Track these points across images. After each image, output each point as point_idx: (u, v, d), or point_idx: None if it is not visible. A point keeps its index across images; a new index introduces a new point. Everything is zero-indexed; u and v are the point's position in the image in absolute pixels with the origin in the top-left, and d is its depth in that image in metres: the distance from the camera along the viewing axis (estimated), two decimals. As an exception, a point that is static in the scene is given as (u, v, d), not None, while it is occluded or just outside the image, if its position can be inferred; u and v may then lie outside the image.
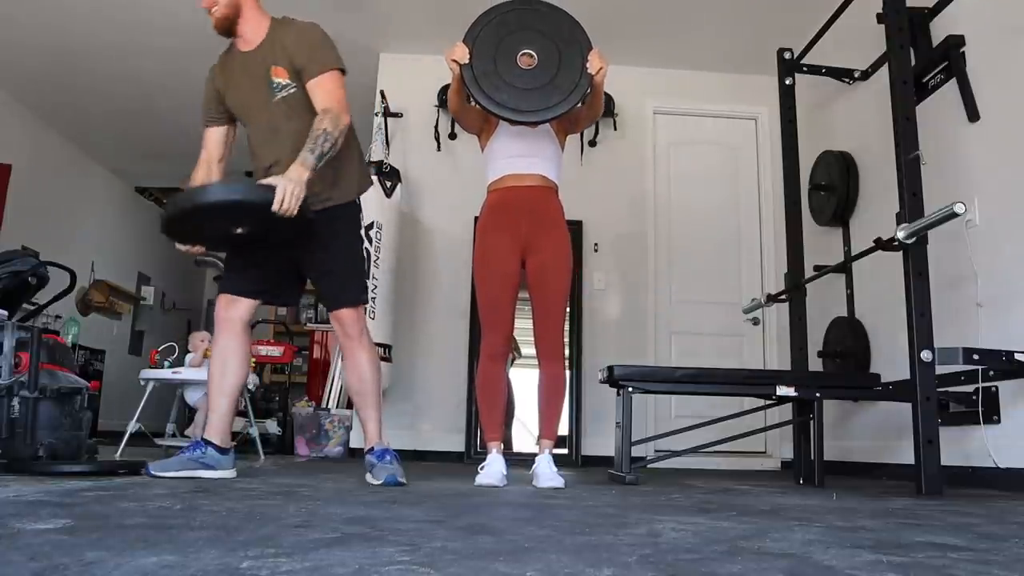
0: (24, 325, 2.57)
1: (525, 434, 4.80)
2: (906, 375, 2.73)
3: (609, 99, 4.88)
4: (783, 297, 3.84)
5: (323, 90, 2.41)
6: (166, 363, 4.01)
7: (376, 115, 4.98)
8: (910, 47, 3.08)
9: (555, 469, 2.64)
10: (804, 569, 0.98)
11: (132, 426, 3.67)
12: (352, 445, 4.62)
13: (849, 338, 4.06)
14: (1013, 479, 2.85)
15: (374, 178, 4.50)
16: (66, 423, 2.57)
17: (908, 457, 2.70)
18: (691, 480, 3.27)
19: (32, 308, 3.38)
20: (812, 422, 3.05)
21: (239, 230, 2.36)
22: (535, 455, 2.71)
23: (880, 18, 3.21)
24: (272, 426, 5.19)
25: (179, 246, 2.55)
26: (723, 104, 5.17)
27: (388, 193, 4.57)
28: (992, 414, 3.00)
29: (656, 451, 4.13)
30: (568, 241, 2.85)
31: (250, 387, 4.06)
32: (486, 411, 2.81)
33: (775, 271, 4.71)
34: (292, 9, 2.64)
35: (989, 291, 3.08)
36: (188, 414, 4.52)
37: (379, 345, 4.37)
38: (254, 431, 3.90)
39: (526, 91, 2.64)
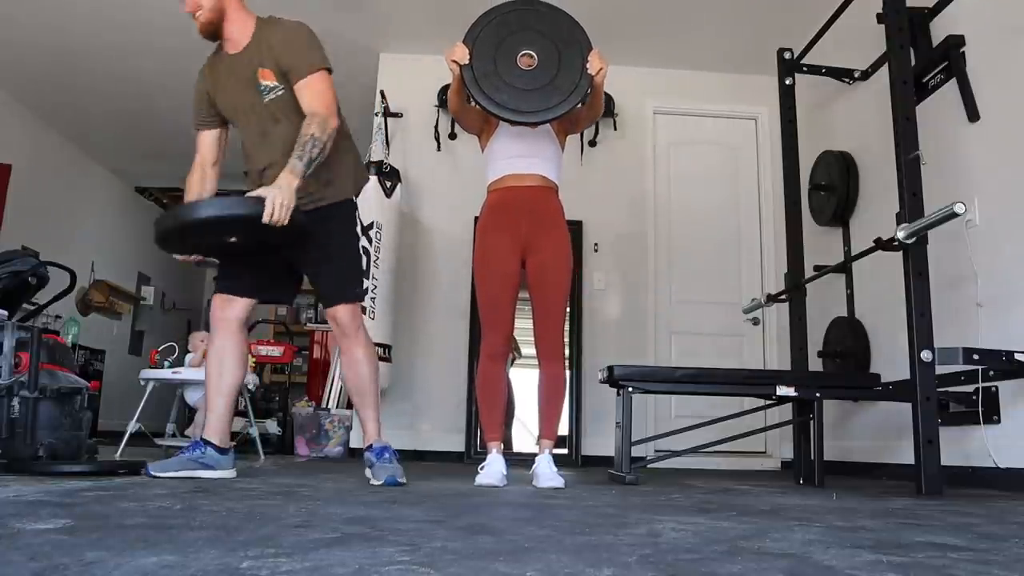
0: (24, 325, 2.57)
1: (525, 434, 4.80)
2: (906, 375, 2.73)
3: (609, 99, 4.88)
4: (783, 297, 3.84)
5: (310, 92, 2.38)
6: (166, 363, 4.01)
7: (376, 115, 4.98)
8: (910, 47, 3.08)
9: (555, 469, 2.64)
10: (804, 569, 0.98)
11: (132, 426, 3.67)
12: (352, 445, 4.62)
13: (849, 338, 4.06)
14: (1013, 479, 2.85)
15: (373, 178, 4.52)
16: (66, 423, 2.57)
17: (908, 457, 2.70)
18: (691, 480, 3.27)
19: (32, 308, 3.38)
20: (812, 422, 3.05)
21: (232, 239, 2.38)
22: (535, 455, 2.71)
23: (880, 18, 3.21)
24: (272, 426, 5.19)
25: (175, 256, 2.55)
26: (723, 104, 5.17)
27: (388, 193, 4.57)
28: (992, 414, 3.00)
29: (656, 451, 4.13)
30: (568, 241, 2.85)
31: (250, 387, 4.06)
32: (486, 411, 2.81)
33: (775, 271, 4.71)
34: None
35: (989, 291, 3.08)
36: (188, 414, 4.53)
37: (379, 345, 4.38)
38: (254, 431, 3.90)
39: (526, 92, 2.64)
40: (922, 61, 3.44)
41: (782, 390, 2.99)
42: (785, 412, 3.72)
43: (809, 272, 3.86)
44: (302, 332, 7.45)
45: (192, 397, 4.08)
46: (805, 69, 4.00)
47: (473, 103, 2.72)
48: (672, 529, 1.37)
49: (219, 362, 2.52)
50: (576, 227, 4.58)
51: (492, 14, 2.72)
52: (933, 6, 3.45)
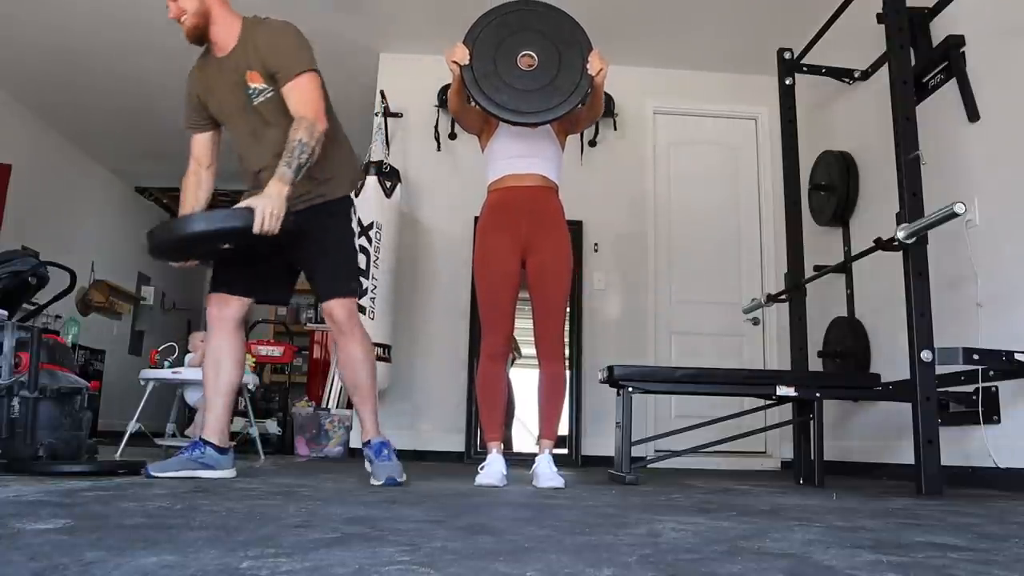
0: (24, 325, 2.57)
1: (525, 434, 4.80)
2: (906, 375, 2.73)
3: (609, 99, 4.88)
4: (783, 297, 3.84)
5: (297, 96, 2.35)
6: (166, 363, 4.01)
7: (376, 115, 4.98)
8: (910, 47, 3.08)
9: (555, 469, 2.64)
10: (804, 569, 0.98)
11: (132, 426, 3.67)
12: (352, 445, 4.62)
13: (849, 338, 4.06)
14: (1013, 479, 2.85)
15: (373, 178, 4.52)
16: (66, 423, 2.57)
17: (908, 457, 2.70)
18: (691, 480, 3.27)
19: (32, 308, 3.38)
20: (812, 422, 3.05)
21: (225, 246, 2.38)
22: (535, 455, 2.71)
23: (880, 18, 3.21)
24: (272, 426, 5.19)
25: (171, 263, 2.55)
26: (723, 104, 5.17)
27: (388, 193, 4.57)
28: (992, 414, 3.00)
29: (656, 451, 4.13)
30: (568, 241, 2.85)
31: (250, 387, 4.06)
32: (486, 411, 2.81)
33: (775, 271, 4.71)
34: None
35: (989, 291, 3.08)
36: (188, 414, 4.52)
37: (379, 345, 4.38)
38: (254, 431, 3.90)
39: (526, 92, 2.64)
40: (922, 61, 3.44)
41: (782, 390, 2.99)
42: (785, 412, 3.72)
43: (809, 272, 3.86)
44: (302, 332, 7.45)
45: (192, 397, 4.08)
46: (805, 69, 4.00)
47: (473, 103, 2.72)
48: (672, 529, 1.37)
49: (216, 362, 2.52)
50: (576, 227, 4.58)
51: (492, 15, 2.72)
52: (933, 6, 3.45)
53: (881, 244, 2.87)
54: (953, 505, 2.12)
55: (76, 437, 2.61)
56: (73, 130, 6.59)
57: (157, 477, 2.31)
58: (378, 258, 4.47)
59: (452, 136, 5.00)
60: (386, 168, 4.60)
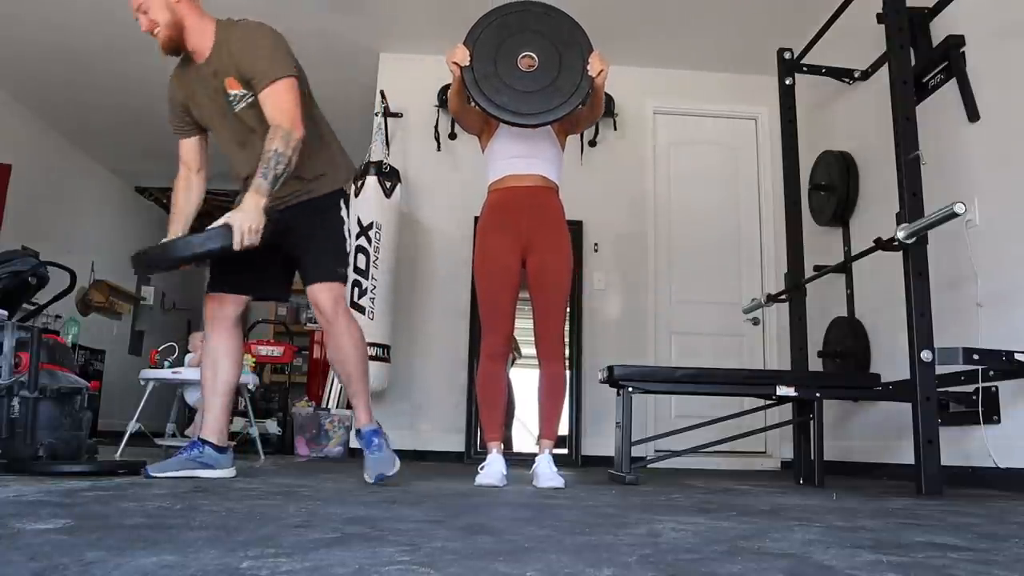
0: (24, 325, 2.57)
1: (525, 434, 4.80)
2: (906, 375, 2.73)
3: (609, 99, 4.88)
4: (783, 297, 3.84)
5: (272, 103, 2.29)
6: (166, 363, 4.01)
7: (376, 115, 4.98)
8: (910, 47, 3.08)
9: (555, 469, 2.64)
10: (804, 569, 0.98)
11: (132, 426, 3.67)
12: (352, 445, 4.61)
13: (849, 338, 4.06)
14: (1013, 479, 2.85)
15: (373, 178, 4.52)
16: (66, 423, 2.57)
17: (908, 457, 2.70)
18: (691, 480, 3.27)
19: (32, 308, 3.38)
20: (812, 422, 3.05)
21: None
22: (535, 455, 2.71)
23: (880, 18, 3.21)
24: (272, 426, 5.19)
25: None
26: (723, 104, 5.17)
27: (388, 193, 4.57)
28: (992, 414, 3.00)
29: (656, 451, 4.13)
30: (568, 241, 2.85)
31: (250, 387, 4.06)
32: (486, 411, 2.81)
33: (775, 271, 4.71)
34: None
35: (989, 291, 3.08)
36: (188, 414, 4.52)
37: (378, 345, 4.38)
38: (254, 431, 3.90)
39: (527, 93, 2.64)
40: (922, 61, 3.44)
41: (782, 390, 2.99)
42: (785, 412, 3.72)
43: (809, 272, 3.86)
44: (302, 332, 7.45)
45: (192, 397, 4.07)
46: (805, 69, 4.00)
47: (474, 104, 2.72)
48: (672, 529, 1.37)
49: (214, 361, 2.52)
50: (576, 227, 4.58)
51: (493, 16, 2.72)
52: (933, 6, 3.45)
53: (881, 244, 2.87)
54: (953, 505, 2.12)
55: (76, 437, 2.61)
56: (73, 130, 6.59)
57: (156, 477, 2.31)
58: (377, 258, 4.47)
59: (452, 136, 5.00)
60: (386, 168, 4.60)
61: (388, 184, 4.57)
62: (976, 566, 1.03)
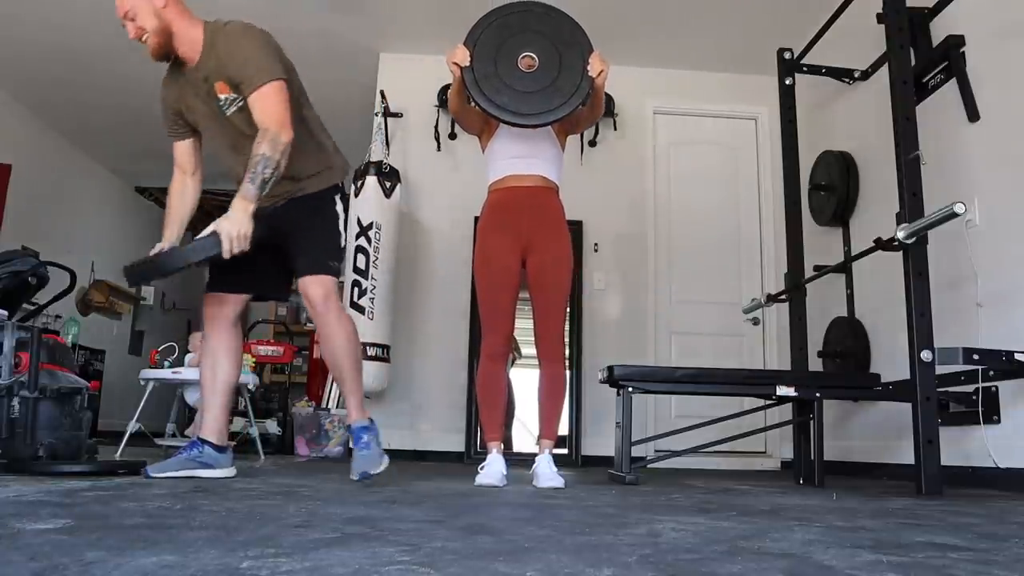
0: (24, 325, 2.57)
1: (525, 434, 4.80)
2: (906, 375, 2.73)
3: (609, 99, 4.88)
4: (783, 297, 3.84)
5: (260, 107, 2.27)
6: (166, 363, 4.01)
7: (376, 115, 4.98)
8: (910, 47, 3.08)
9: (555, 469, 2.64)
10: (804, 569, 0.98)
11: (132, 426, 3.67)
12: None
13: (849, 338, 4.06)
14: (1013, 479, 2.85)
15: (373, 178, 4.52)
16: (66, 423, 2.57)
17: (908, 457, 2.70)
18: (691, 480, 3.27)
19: (32, 308, 3.38)
20: (812, 422, 3.05)
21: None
22: (535, 455, 2.71)
23: (880, 18, 3.21)
24: (272, 426, 5.18)
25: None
26: (723, 104, 5.17)
27: (388, 193, 4.57)
28: (992, 414, 3.00)
29: (656, 451, 4.13)
30: (568, 241, 2.85)
31: (250, 387, 4.06)
32: (486, 411, 2.81)
33: (775, 271, 4.71)
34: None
35: (989, 291, 3.08)
36: (188, 414, 4.52)
37: (378, 345, 4.38)
38: (254, 431, 3.90)
39: (527, 94, 2.64)
40: (922, 61, 3.44)
41: (782, 390, 2.99)
42: (785, 412, 3.72)
43: (809, 272, 3.86)
44: (302, 332, 7.44)
45: (192, 397, 4.07)
46: (805, 69, 4.00)
47: (474, 104, 2.72)
48: (672, 529, 1.37)
49: (213, 361, 2.52)
50: (576, 227, 4.58)
51: (493, 16, 2.72)
52: (933, 6, 3.45)
53: (881, 244, 2.87)
54: (953, 505, 2.12)
55: (76, 437, 2.61)
56: (73, 130, 6.59)
57: (156, 477, 2.31)
58: (377, 258, 4.47)
59: (452, 136, 5.00)
60: (386, 168, 4.60)
61: (388, 184, 4.57)
62: (976, 566, 1.03)
